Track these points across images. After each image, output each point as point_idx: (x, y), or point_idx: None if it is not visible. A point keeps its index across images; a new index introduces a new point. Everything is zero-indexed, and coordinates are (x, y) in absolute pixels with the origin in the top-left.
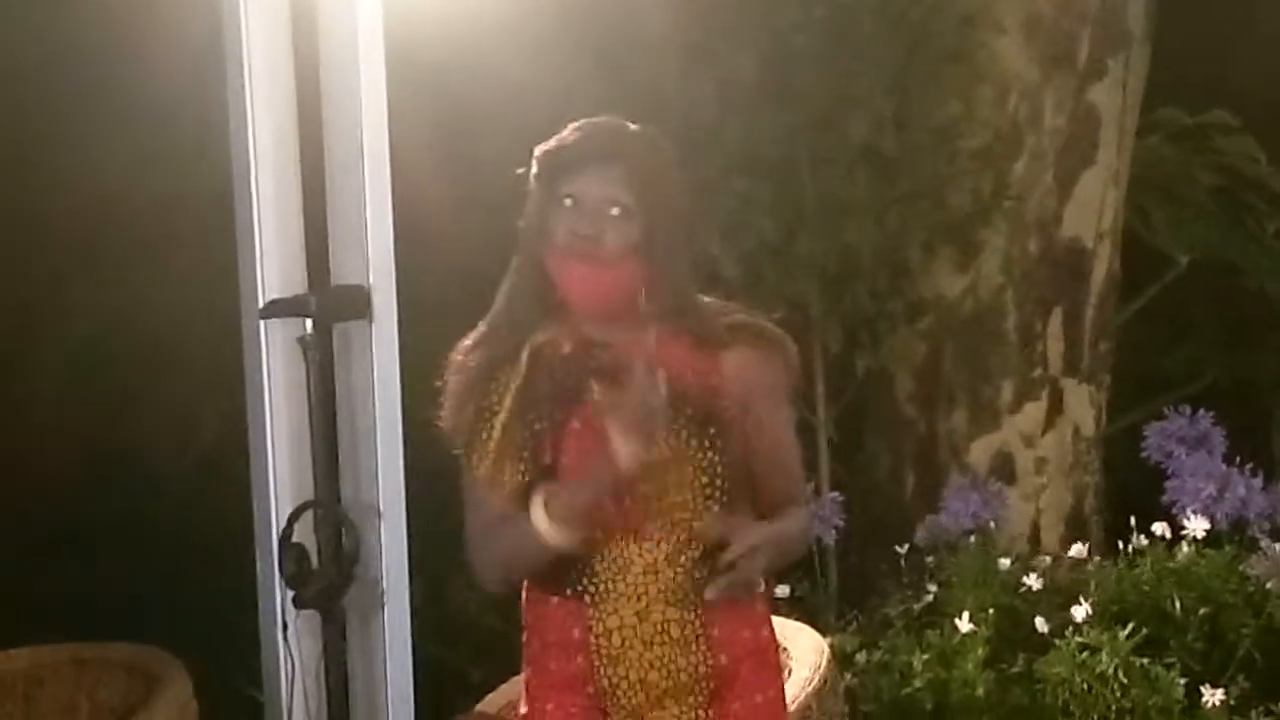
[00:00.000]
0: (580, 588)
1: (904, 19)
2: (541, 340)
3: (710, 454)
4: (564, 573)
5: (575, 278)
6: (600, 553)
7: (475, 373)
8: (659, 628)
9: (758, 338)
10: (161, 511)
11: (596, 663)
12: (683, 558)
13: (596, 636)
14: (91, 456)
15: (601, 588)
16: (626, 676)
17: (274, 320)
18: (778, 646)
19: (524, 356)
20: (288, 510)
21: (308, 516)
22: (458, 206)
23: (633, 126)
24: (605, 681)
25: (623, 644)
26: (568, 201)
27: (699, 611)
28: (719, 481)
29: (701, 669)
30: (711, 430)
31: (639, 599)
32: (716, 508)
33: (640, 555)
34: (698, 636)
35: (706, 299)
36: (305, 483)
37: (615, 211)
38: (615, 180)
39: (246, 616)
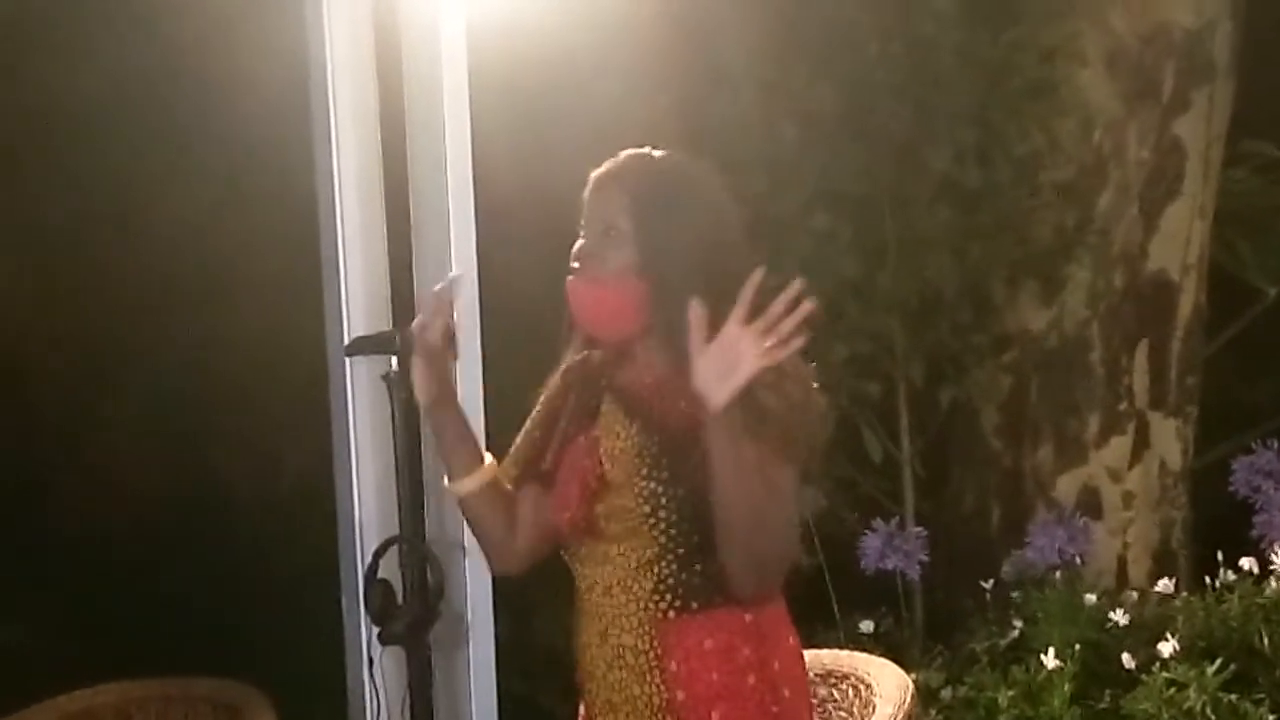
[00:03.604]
0: (575, 600)
1: (984, 53)
2: (573, 359)
3: (652, 484)
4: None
5: (572, 296)
6: (575, 567)
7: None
8: (616, 652)
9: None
10: (247, 547)
11: (580, 676)
12: (635, 585)
13: (577, 650)
14: (176, 493)
15: (578, 603)
16: (598, 695)
17: (359, 357)
18: (776, 695)
19: (558, 373)
20: (373, 546)
21: (393, 552)
22: (542, 243)
23: (653, 153)
24: (588, 696)
25: (590, 662)
26: (581, 226)
27: (654, 642)
28: (661, 513)
29: (656, 700)
30: (665, 460)
31: (599, 619)
32: (663, 539)
33: (601, 576)
34: (652, 668)
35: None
36: (390, 518)
37: (611, 234)
38: (611, 203)
39: (332, 652)
